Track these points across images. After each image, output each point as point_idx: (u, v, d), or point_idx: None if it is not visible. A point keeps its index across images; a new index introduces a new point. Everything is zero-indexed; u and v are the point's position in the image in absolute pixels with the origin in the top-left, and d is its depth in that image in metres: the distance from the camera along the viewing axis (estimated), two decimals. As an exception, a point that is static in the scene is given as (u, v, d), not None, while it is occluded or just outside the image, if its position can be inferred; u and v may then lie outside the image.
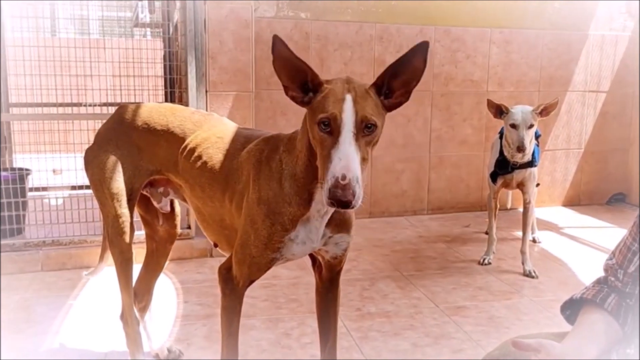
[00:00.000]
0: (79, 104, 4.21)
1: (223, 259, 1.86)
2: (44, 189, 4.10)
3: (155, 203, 2.19)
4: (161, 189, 2.14)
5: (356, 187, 1.32)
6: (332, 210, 1.62)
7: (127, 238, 2.07)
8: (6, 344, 2.45)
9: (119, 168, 2.03)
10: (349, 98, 1.40)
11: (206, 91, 3.53)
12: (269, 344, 2.50)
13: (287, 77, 1.47)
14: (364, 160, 1.39)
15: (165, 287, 3.12)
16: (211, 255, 3.55)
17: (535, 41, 4.85)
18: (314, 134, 1.44)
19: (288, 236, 1.64)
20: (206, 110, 3.49)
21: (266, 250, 1.66)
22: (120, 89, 3.77)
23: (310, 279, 3.25)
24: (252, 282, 1.77)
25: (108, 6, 5.58)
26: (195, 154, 1.90)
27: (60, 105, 4.01)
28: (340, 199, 1.32)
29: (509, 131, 3.26)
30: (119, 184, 2.02)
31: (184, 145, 1.94)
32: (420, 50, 1.44)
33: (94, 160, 2.07)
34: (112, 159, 2.03)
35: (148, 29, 5.59)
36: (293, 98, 1.48)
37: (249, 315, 2.77)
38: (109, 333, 2.57)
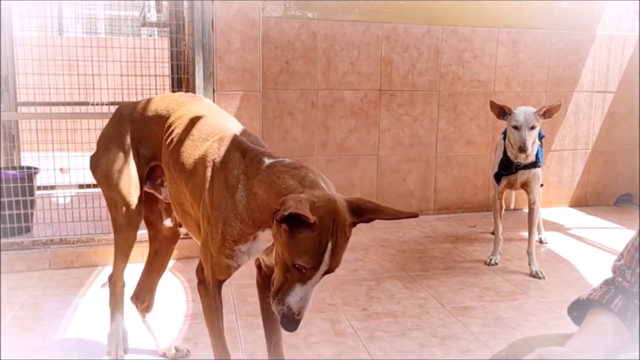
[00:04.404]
0: (86, 103, 4.23)
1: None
2: (52, 187, 4.12)
3: (158, 195, 2.22)
4: (159, 180, 2.18)
5: (303, 315, 1.48)
6: None
7: (136, 226, 2.18)
8: (15, 342, 2.47)
9: (124, 161, 2.10)
10: (329, 249, 1.41)
11: (213, 90, 3.53)
12: (275, 343, 2.50)
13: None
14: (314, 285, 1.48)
15: (173, 286, 3.13)
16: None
17: (543, 41, 4.84)
18: (285, 259, 1.44)
19: (238, 247, 1.68)
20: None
21: (220, 254, 1.69)
22: (128, 88, 3.77)
23: (316, 278, 3.26)
24: (220, 282, 1.79)
25: (115, 5, 5.60)
26: (169, 132, 1.96)
27: (68, 104, 4.03)
28: (290, 330, 1.48)
29: (512, 132, 3.26)
30: (125, 175, 2.10)
31: (166, 124, 2.02)
32: (407, 216, 1.51)
33: (100, 160, 2.15)
34: (117, 154, 2.11)
35: (155, 29, 5.60)
36: (278, 219, 1.41)
37: (256, 315, 2.76)
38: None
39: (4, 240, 3.30)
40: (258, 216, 1.59)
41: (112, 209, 2.17)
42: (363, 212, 1.48)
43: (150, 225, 2.33)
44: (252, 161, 1.65)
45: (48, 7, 4.75)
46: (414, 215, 1.51)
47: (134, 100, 3.81)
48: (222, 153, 1.72)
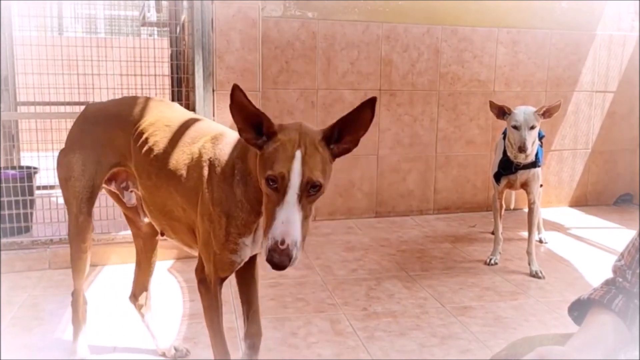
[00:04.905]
0: (86, 103, 4.22)
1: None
2: (51, 187, 4.11)
3: (121, 197, 2.22)
4: (123, 184, 2.18)
5: (294, 250, 1.37)
6: None
7: (85, 238, 2.16)
8: (14, 341, 2.47)
9: (83, 167, 2.08)
10: (298, 156, 1.41)
11: (213, 90, 3.53)
12: (275, 343, 2.50)
13: (242, 121, 1.49)
14: (305, 218, 1.42)
15: (172, 285, 3.13)
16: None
17: (543, 41, 4.83)
18: (262, 185, 1.47)
19: (242, 240, 1.69)
20: (213, 109, 3.51)
21: (224, 250, 1.70)
22: (128, 88, 3.77)
23: (316, 278, 3.26)
24: (222, 279, 1.81)
25: (115, 5, 5.59)
26: (143, 139, 1.94)
27: (68, 104, 4.02)
28: (277, 263, 1.37)
29: (511, 132, 3.27)
30: (80, 182, 2.09)
31: (133, 130, 1.99)
32: (369, 105, 1.48)
33: (62, 161, 2.14)
34: (77, 158, 2.09)
35: (155, 28, 5.61)
36: (247, 140, 1.50)
37: (256, 314, 2.77)
38: (116, 328, 2.59)
39: (3, 240, 3.30)
40: (256, 197, 1.61)
41: (69, 214, 2.17)
42: (331, 127, 1.49)
43: (131, 223, 2.34)
44: (244, 145, 1.67)
45: (48, 7, 4.75)
46: (373, 99, 1.48)
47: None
48: (217, 150, 1.75)
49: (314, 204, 1.47)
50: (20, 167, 3.81)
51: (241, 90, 1.45)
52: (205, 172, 1.73)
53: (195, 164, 1.78)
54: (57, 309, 2.80)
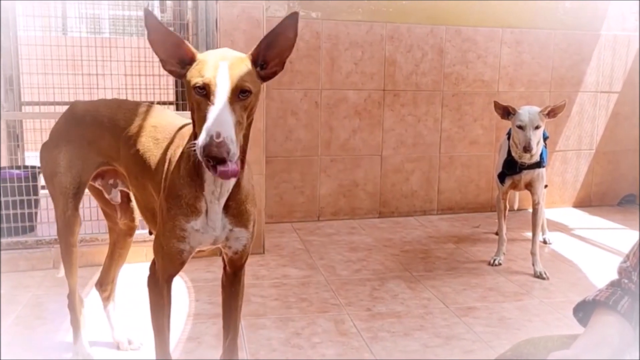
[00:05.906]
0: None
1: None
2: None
3: (106, 195, 2.22)
4: (111, 181, 2.19)
5: (230, 145, 1.36)
6: (225, 190, 1.64)
7: (73, 232, 2.15)
8: (17, 341, 2.48)
9: (69, 163, 2.08)
10: (223, 65, 1.44)
11: (217, 90, 3.53)
12: (279, 344, 2.50)
13: (164, 52, 1.52)
14: (238, 123, 1.42)
15: (176, 285, 3.13)
16: (220, 254, 3.56)
17: (547, 41, 4.83)
18: (191, 100, 1.47)
19: (190, 225, 1.66)
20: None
21: (172, 239, 1.68)
22: (132, 88, 3.78)
23: (320, 278, 3.26)
24: (171, 276, 1.80)
25: (119, 5, 5.60)
26: (131, 141, 1.95)
27: (72, 103, 4.03)
28: (216, 155, 1.34)
29: (516, 132, 3.26)
30: (67, 178, 2.08)
31: (124, 133, 1.99)
32: (290, 22, 1.51)
33: (47, 156, 2.14)
34: (63, 153, 2.09)
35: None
36: (171, 72, 1.54)
37: (259, 315, 2.77)
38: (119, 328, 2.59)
39: (8, 240, 3.31)
40: (197, 171, 1.60)
41: (55, 209, 2.17)
42: (256, 49, 1.54)
43: (107, 217, 2.37)
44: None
45: (52, 7, 4.76)
46: (293, 14, 1.50)
47: (138, 100, 3.83)
48: (178, 140, 1.77)
49: (246, 113, 1.46)
50: (25, 167, 3.82)
51: (154, 16, 1.48)
52: (166, 166, 1.75)
53: (163, 157, 1.80)
54: (61, 309, 2.80)
